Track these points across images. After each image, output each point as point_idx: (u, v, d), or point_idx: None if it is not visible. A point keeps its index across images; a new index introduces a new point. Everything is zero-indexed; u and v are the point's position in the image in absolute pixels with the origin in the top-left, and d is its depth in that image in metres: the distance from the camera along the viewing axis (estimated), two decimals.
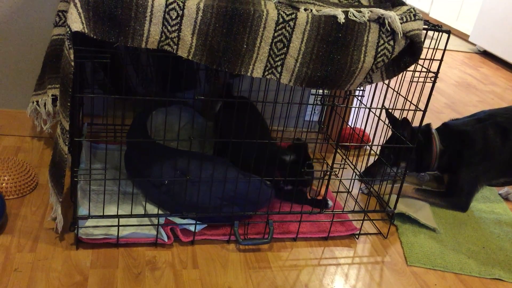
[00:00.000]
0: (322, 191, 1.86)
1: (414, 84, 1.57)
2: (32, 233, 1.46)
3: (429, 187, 2.08)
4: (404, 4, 1.47)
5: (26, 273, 1.32)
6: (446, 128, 2.01)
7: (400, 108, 1.68)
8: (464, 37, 5.21)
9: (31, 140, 1.95)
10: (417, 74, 1.57)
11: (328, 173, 1.60)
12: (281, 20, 1.26)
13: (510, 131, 1.95)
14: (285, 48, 1.29)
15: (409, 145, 1.67)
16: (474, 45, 4.94)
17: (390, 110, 1.79)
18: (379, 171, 1.95)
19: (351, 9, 1.32)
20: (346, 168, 2.12)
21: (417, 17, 1.35)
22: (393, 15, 1.31)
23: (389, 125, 1.90)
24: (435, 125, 2.05)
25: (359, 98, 1.86)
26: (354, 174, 2.03)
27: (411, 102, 1.63)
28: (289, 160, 1.68)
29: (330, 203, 1.77)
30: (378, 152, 1.99)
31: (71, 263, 1.38)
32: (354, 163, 2.10)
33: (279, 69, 1.31)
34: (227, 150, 1.63)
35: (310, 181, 1.76)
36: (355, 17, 1.31)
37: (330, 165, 1.59)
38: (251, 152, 1.53)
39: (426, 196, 1.97)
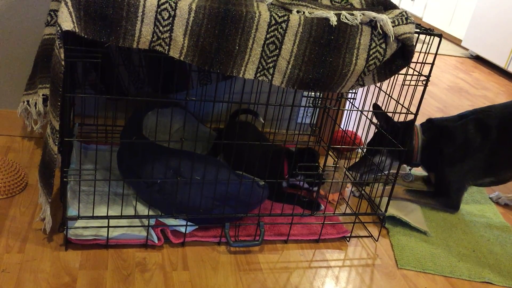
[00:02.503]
0: (325, 193, 1.87)
1: (406, 87, 1.58)
2: (20, 234, 1.45)
3: (420, 188, 2.09)
4: (396, 7, 1.48)
5: (14, 274, 1.30)
6: (430, 123, 2.02)
7: (392, 111, 1.68)
8: (456, 41, 5.25)
9: (21, 140, 1.94)
10: (408, 77, 1.57)
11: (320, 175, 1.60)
12: (273, 22, 1.26)
13: (491, 128, 1.95)
14: (277, 50, 1.29)
15: (400, 148, 1.68)
16: (467, 50, 4.98)
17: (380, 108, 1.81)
18: (364, 164, 1.96)
19: (344, 12, 1.32)
20: (337, 171, 2.12)
21: (409, 21, 1.35)
22: (385, 18, 1.31)
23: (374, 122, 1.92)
24: None
25: (351, 100, 1.87)
26: (346, 177, 2.03)
27: (402, 105, 1.63)
28: (295, 151, 1.73)
29: (322, 206, 1.77)
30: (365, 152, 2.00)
31: (60, 264, 1.36)
32: (346, 166, 2.10)
33: (271, 70, 1.31)
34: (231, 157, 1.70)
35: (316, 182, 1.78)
36: (348, 19, 1.31)
37: (322, 167, 1.59)
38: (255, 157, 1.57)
39: (417, 196, 1.97)
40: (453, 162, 1.94)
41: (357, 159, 2.03)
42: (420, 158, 1.99)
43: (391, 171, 1.94)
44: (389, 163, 1.93)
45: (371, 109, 1.88)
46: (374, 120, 1.98)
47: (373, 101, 1.89)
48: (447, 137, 1.96)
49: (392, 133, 1.79)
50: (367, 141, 1.98)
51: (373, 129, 2.18)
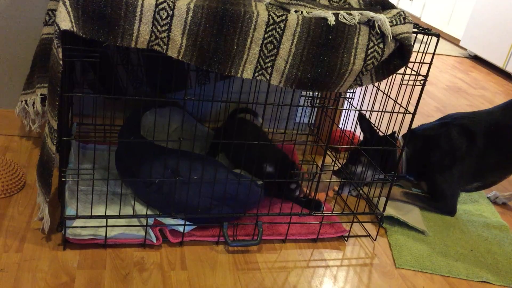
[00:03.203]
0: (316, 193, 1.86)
1: (404, 87, 1.58)
2: (19, 233, 1.44)
3: (418, 190, 2.09)
4: (394, 7, 1.48)
5: (12, 274, 1.30)
6: (412, 133, 2.03)
7: (390, 111, 1.68)
8: (455, 41, 5.25)
9: (19, 139, 1.93)
10: (407, 77, 1.58)
11: (318, 175, 1.60)
12: (271, 21, 1.26)
13: (476, 134, 1.97)
14: (275, 50, 1.29)
15: (398, 147, 1.68)
16: (465, 49, 4.98)
17: (365, 114, 1.83)
18: (353, 166, 1.97)
19: (342, 12, 1.32)
20: (325, 173, 2.12)
21: (406, 20, 1.36)
22: (383, 18, 1.32)
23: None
24: None
25: (349, 100, 1.87)
26: (344, 176, 2.03)
27: (400, 105, 1.64)
28: (266, 171, 1.70)
29: (322, 205, 1.76)
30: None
31: (58, 264, 1.36)
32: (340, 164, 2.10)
33: (269, 70, 1.31)
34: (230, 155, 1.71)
35: (298, 186, 1.76)
36: (346, 19, 1.31)
37: (320, 167, 1.59)
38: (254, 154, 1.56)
39: (414, 199, 1.98)
40: (443, 170, 1.96)
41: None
42: (406, 170, 2.01)
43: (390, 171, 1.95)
44: (371, 173, 1.94)
45: (369, 109, 1.88)
46: (373, 118, 1.98)
47: (371, 100, 1.89)
48: (432, 146, 1.98)
49: (375, 146, 1.82)
50: (350, 152, 2.01)
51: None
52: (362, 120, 1.94)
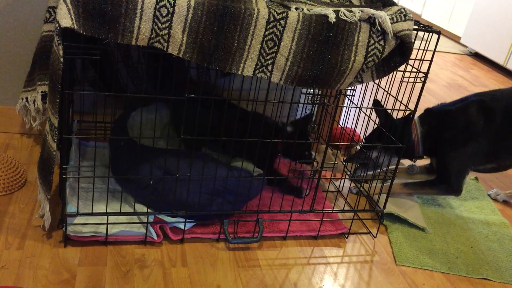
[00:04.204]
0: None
1: (404, 84, 1.58)
2: (20, 231, 1.45)
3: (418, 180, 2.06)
4: (395, 4, 1.48)
5: (13, 271, 1.31)
6: (428, 112, 1.97)
7: (390, 108, 1.68)
8: (455, 39, 5.25)
9: (20, 137, 1.94)
10: (407, 74, 1.58)
11: (318, 172, 1.60)
12: (272, 18, 1.26)
13: (495, 112, 1.87)
14: (276, 47, 1.29)
15: (399, 144, 1.68)
16: (466, 47, 4.98)
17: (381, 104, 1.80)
18: (360, 156, 1.95)
19: (342, 9, 1.32)
20: (336, 168, 2.12)
21: (407, 18, 1.36)
22: (383, 15, 1.32)
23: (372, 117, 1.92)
24: None
25: (350, 97, 1.87)
26: (344, 173, 2.03)
27: (401, 102, 1.64)
28: (290, 131, 1.76)
29: (304, 191, 1.80)
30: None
31: (59, 261, 1.37)
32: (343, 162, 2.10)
33: (269, 67, 1.31)
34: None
35: (310, 157, 1.80)
36: (346, 16, 1.31)
37: (320, 164, 1.60)
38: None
39: (415, 188, 1.94)
40: (454, 146, 1.88)
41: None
42: (422, 150, 1.95)
43: (389, 167, 1.95)
44: (388, 158, 1.91)
45: (370, 106, 1.88)
46: (374, 115, 1.96)
47: (372, 98, 1.89)
48: (448, 121, 1.90)
49: (391, 129, 1.78)
50: (366, 135, 1.98)
51: (372, 125, 2.19)
52: (377, 104, 1.90)
